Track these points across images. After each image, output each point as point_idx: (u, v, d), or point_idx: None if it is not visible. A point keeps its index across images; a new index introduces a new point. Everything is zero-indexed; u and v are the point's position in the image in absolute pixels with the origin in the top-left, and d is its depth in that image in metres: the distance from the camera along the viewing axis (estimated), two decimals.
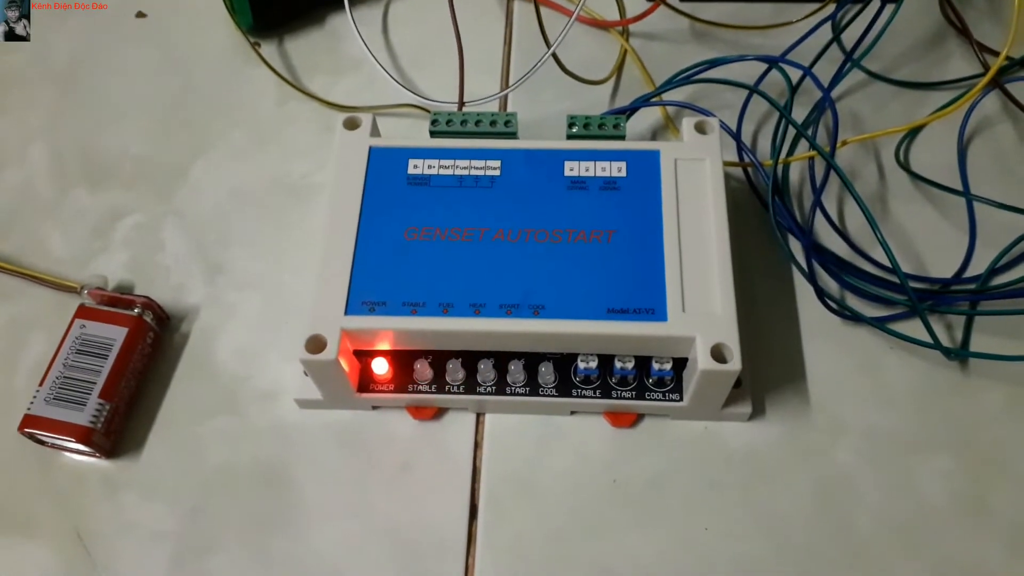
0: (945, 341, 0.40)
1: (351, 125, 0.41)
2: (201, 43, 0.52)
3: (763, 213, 0.43)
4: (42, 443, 0.38)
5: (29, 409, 0.38)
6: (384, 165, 0.40)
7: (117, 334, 0.39)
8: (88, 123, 0.49)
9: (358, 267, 0.37)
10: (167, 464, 0.38)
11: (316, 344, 0.35)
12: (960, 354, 0.39)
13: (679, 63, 0.46)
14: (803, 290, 0.41)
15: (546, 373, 0.38)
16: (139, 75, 0.51)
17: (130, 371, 0.39)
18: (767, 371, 0.39)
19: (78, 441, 0.37)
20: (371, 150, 0.40)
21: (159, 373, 0.41)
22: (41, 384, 0.38)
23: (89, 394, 0.38)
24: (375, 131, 0.41)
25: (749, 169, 0.44)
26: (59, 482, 0.38)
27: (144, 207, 0.46)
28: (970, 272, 0.41)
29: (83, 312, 0.40)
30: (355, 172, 0.39)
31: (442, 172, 0.40)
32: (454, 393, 0.38)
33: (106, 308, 0.40)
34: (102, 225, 0.45)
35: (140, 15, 0.53)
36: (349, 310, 0.36)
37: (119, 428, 0.39)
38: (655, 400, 0.37)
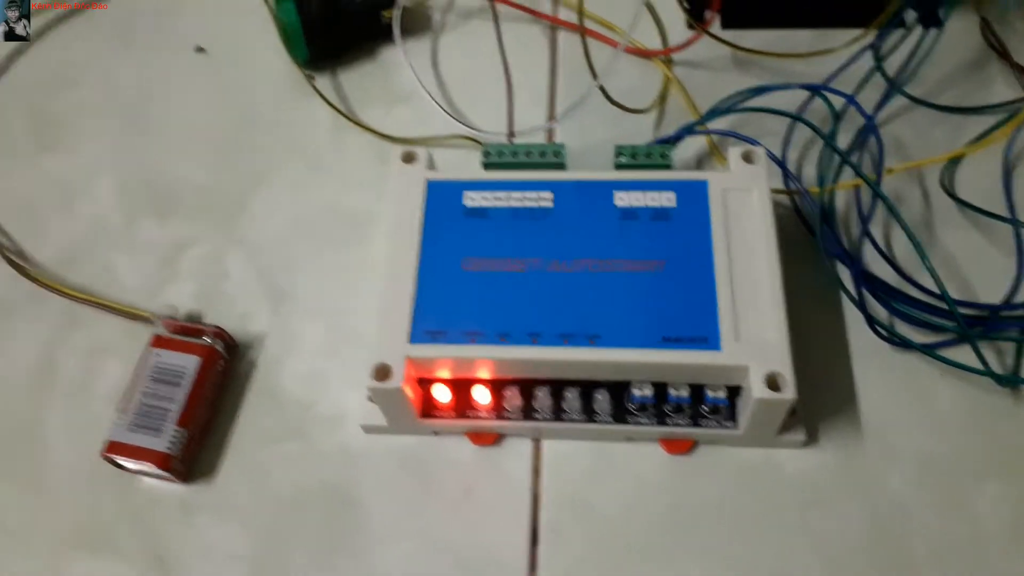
0: (996, 367, 0.40)
1: (408, 159, 0.42)
2: (258, 76, 0.54)
3: (809, 239, 0.44)
4: (121, 468, 0.40)
5: (111, 435, 0.39)
6: (441, 198, 0.41)
7: (190, 363, 0.41)
8: (153, 156, 0.51)
9: (420, 298, 0.38)
10: (239, 488, 0.40)
11: (382, 372, 0.37)
12: (1012, 380, 0.40)
13: (722, 90, 0.48)
14: (852, 316, 0.42)
15: (601, 400, 0.39)
16: (200, 108, 0.53)
17: (203, 398, 0.41)
18: (819, 398, 0.40)
19: (157, 466, 0.39)
20: (428, 183, 0.42)
21: (229, 399, 0.42)
22: (121, 411, 0.40)
23: (166, 421, 0.39)
24: (430, 164, 0.43)
25: (795, 196, 0.45)
26: (138, 505, 0.40)
27: (208, 237, 0.48)
28: (1019, 298, 0.42)
29: (157, 341, 0.42)
30: (413, 205, 0.41)
31: (496, 204, 0.41)
32: (512, 419, 0.39)
33: (179, 337, 0.42)
34: (169, 255, 0.47)
35: (199, 50, 0.55)
36: (413, 339, 0.37)
37: (194, 453, 0.41)
38: (710, 428, 0.38)
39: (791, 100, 0.47)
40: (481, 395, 0.39)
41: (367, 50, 0.54)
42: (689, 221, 0.40)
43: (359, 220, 0.48)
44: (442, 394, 0.39)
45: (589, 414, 0.39)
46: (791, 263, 0.43)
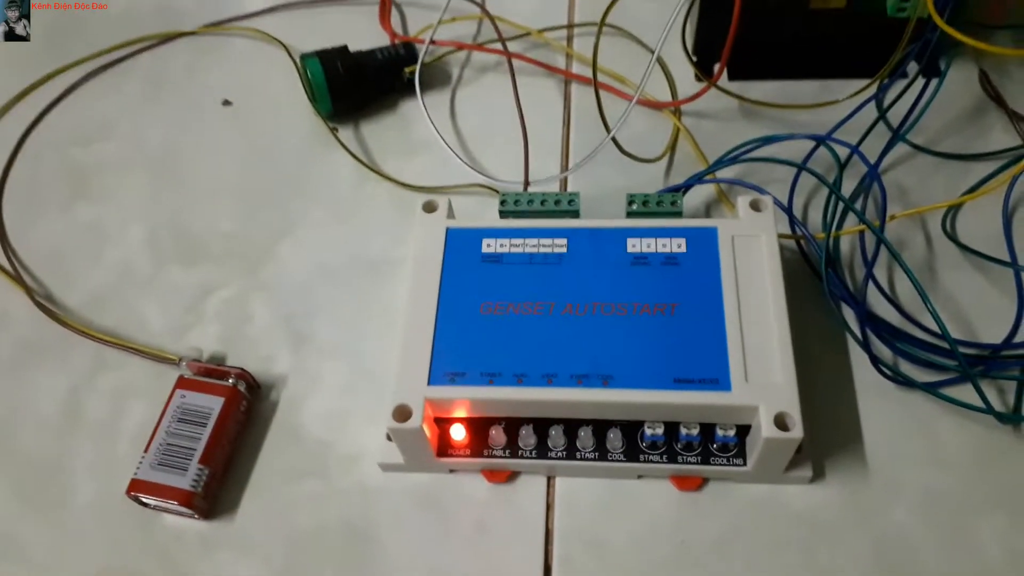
0: (997, 405, 0.41)
1: (429, 208, 0.44)
2: (283, 129, 0.56)
3: (815, 281, 0.45)
4: (145, 505, 0.41)
5: (136, 474, 0.41)
6: (460, 244, 0.43)
7: (214, 403, 0.42)
8: (181, 204, 0.53)
9: (439, 341, 0.40)
10: (260, 525, 0.41)
11: (402, 413, 0.38)
12: (1013, 418, 0.41)
13: (729, 140, 0.49)
14: (857, 356, 0.43)
15: (614, 439, 0.40)
16: (227, 159, 0.55)
17: (226, 438, 0.42)
18: (825, 435, 0.41)
19: (181, 504, 0.40)
20: (448, 231, 0.43)
21: (251, 438, 0.44)
22: (146, 450, 0.41)
23: (190, 460, 0.41)
24: (450, 212, 0.45)
25: (802, 241, 0.47)
26: (161, 542, 0.41)
27: (233, 282, 0.49)
28: (1020, 338, 0.43)
29: (183, 383, 0.43)
30: (434, 252, 0.43)
31: (513, 250, 0.42)
32: (526, 458, 0.40)
33: (203, 379, 0.43)
34: (195, 300, 0.49)
35: (226, 103, 0.58)
36: (432, 380, 0.39)
37: (216, 491, 0.42)
38: (719, 465, 0.39)
39: (797, 149, 0.49)
40: (496, 434, 0.40)
41: (388, 104, 0.57)
42: (699, 266, 0.41)
43: (379, 266, 0.49)
44: (458, 433, 0.40)
45: (602, 452, 0.40)
46: (798, 306, 0.44)
